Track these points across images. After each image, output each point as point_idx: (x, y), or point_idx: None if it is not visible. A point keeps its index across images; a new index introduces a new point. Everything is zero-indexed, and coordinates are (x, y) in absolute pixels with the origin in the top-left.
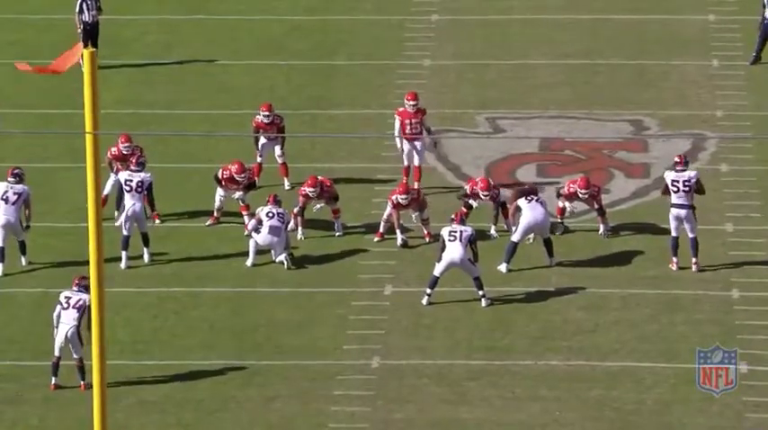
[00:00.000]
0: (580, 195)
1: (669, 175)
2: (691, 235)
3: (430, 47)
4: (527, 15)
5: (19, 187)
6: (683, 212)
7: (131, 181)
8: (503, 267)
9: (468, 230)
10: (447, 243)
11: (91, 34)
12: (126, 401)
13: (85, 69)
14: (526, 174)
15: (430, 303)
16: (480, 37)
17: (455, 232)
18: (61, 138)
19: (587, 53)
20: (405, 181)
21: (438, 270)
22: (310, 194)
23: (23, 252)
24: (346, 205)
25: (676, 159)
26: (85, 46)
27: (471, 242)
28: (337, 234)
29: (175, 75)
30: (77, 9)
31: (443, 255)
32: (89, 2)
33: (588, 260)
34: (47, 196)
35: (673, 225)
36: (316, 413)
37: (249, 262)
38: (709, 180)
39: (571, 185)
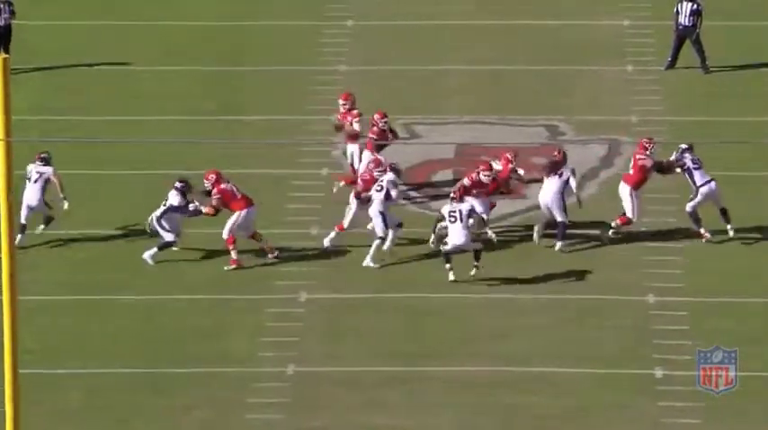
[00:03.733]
0: (483, 178)
1: (686, 158)
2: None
3: (345, 52)
4: (442, 21)
5: (43, 168)
6: (713, 185)
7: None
8: (558, 245)
9: (466, 206)
10: (449, 225)
11: (3, 38)
12: (39, 410)
13: None
14: (443, 180)
15: (455, 280)
16: (396, 42)
17: (455, 212)
18: None
19: (502, 58)
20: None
21: (447, 250)
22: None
23: (46, 223)
24: (261, 212)
25: (684, 146)
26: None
27: (470, 215)
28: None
29: (85, 80)
30: None
31: (449, 239)
32: (2, 5)
33: (505, 266)
34: None
35: (701, 202)
36: (231, 421)
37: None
38: None
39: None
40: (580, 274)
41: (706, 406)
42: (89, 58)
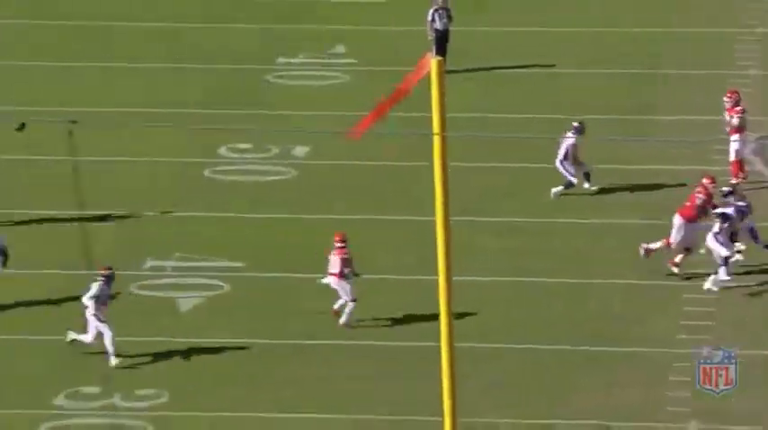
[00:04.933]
0: None
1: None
2: None
3: (756, 57)
4: None
5: (567, 137)
6: None
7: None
8: None
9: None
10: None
11: (441, 41)
12: (471, 383)
13: (433, 76)
14: None
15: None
16: None
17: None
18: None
19: None
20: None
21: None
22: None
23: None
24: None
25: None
26: (438, 53)
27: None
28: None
29: (515, 81)
30: (429, 18)
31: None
32: (440, 11)
33: None
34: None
35: None
36: (654, 397)
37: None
38: None
39: None
40: None
41: None
42: (516, 60)
